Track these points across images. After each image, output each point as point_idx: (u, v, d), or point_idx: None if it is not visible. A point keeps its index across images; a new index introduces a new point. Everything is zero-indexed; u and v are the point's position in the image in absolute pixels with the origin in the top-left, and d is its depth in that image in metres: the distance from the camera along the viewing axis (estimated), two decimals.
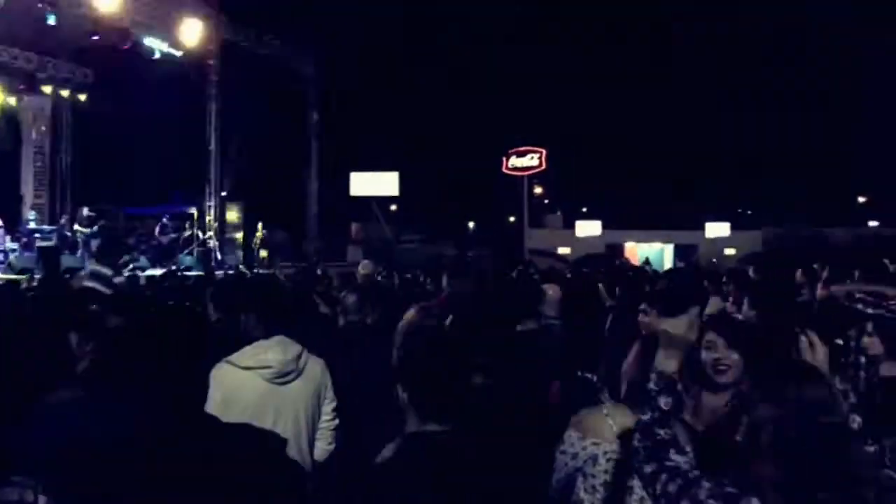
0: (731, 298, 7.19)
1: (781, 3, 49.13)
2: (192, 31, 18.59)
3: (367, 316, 4.91)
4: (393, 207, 42.99)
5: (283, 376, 3.45)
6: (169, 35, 18.70)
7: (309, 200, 27.38)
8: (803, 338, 2.79)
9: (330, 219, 31.39)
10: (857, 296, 3.60)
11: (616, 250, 37.91)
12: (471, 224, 54.81)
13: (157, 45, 18.89)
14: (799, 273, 8.99)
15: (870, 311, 3.21)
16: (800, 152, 52.91)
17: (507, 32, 48.56)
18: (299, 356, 3.52)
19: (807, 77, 51.55)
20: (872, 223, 49.61)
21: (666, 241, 42.22)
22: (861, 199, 57.04)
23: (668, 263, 34.99)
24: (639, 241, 41.52)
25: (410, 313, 3.61)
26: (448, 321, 3.07)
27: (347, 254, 31.90)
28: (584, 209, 47.16)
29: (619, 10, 48.59)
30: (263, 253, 23.11)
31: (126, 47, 16.94)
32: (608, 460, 2.45)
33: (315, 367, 3.62)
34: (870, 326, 3.56)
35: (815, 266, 10.48)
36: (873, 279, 6.80)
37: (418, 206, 42.55)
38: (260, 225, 23.60)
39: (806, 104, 52.33)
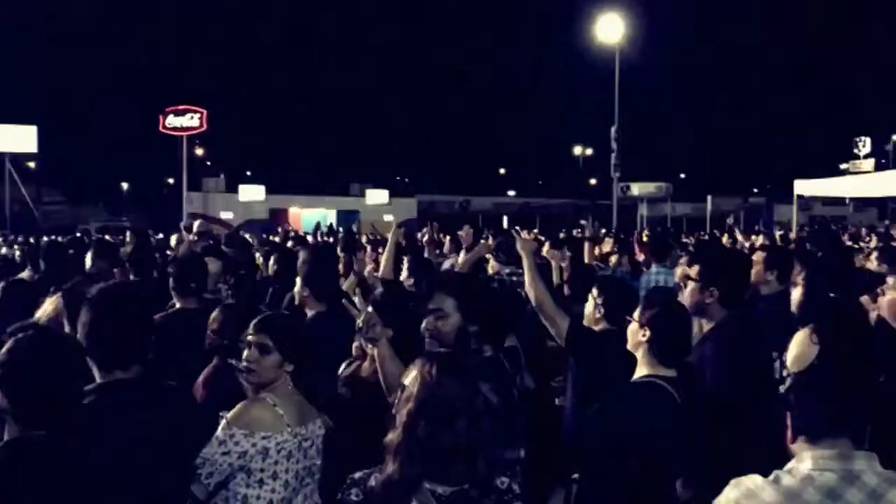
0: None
1: None
2: None
3: None
4: (31, 164, 38.84)
5: None
6: None
7: None
8: None
9: None
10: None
11: (280, 215, 37.87)
12: (124, 185, 50.99)
13: None
14: (447, 241, 9.72)
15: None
16: (451, 129, 57.30)
17: None
18: None
19: (458, 63, 55.59)
20: (511, 193, 55.88)
21: (329, 207, 43.09)
22: (502, 171, 63.77)
23: None
24: (302, 206, 41.87)
25: (52, 303, 3.16)
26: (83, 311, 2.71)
27: None
28: (249, 173, 46.34)
29: None
30: None
31: None
32: (279, 451, 2.48)
33: None
34: None
35: (460, 233, 11.42)
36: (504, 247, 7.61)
37: (62, 164, 38.67)
38: None
39: (450, 87, 56.57)
